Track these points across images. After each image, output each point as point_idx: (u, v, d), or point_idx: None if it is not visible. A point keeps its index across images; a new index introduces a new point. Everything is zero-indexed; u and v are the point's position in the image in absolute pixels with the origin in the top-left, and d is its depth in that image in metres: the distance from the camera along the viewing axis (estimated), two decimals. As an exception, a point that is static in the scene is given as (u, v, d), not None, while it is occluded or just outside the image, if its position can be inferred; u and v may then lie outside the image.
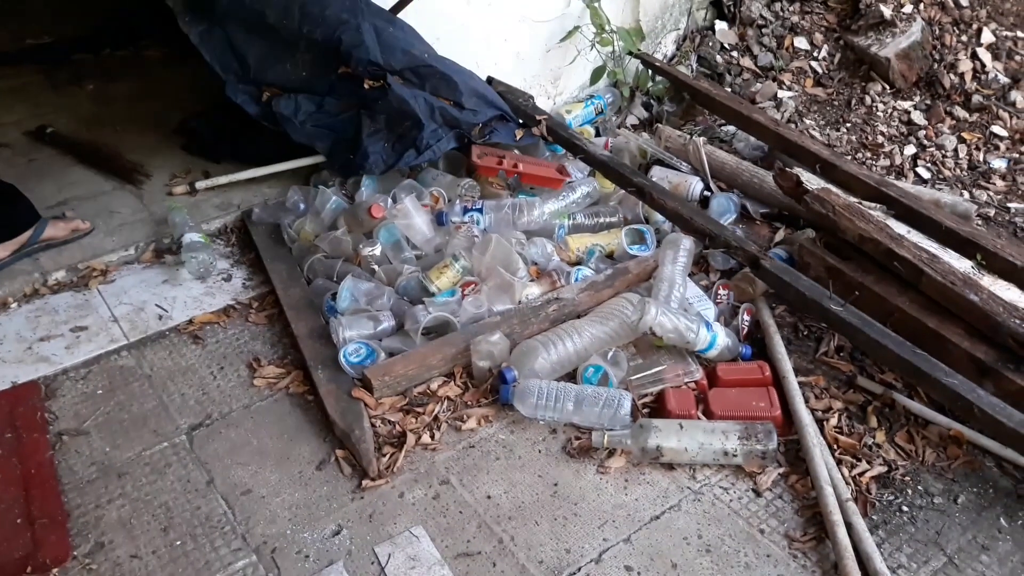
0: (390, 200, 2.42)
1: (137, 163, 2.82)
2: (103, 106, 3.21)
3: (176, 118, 3.03)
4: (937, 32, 3.22)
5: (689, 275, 2.21)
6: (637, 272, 2.25)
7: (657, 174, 2.65)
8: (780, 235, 2.46)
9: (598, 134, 3.03)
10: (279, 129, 2.58)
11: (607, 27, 3.06)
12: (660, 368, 1.97)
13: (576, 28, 3.04)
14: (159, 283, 2.33)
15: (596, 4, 3.04)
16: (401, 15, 2.65)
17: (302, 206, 2.51)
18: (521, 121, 2.72)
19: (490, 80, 2.87)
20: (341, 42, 2.48)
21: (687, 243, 2.24)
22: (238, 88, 2.61)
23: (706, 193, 2.59)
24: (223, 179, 2.68)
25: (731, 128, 2.96)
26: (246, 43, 2.61)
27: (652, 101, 3.18)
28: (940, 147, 2.93)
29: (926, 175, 2.84)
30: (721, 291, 2.21)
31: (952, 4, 3.25)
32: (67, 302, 2.26)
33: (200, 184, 2.67)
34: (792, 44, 3.42)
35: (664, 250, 2.22)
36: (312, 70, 2.59)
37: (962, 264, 2.13)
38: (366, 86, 2.52)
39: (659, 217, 2.43)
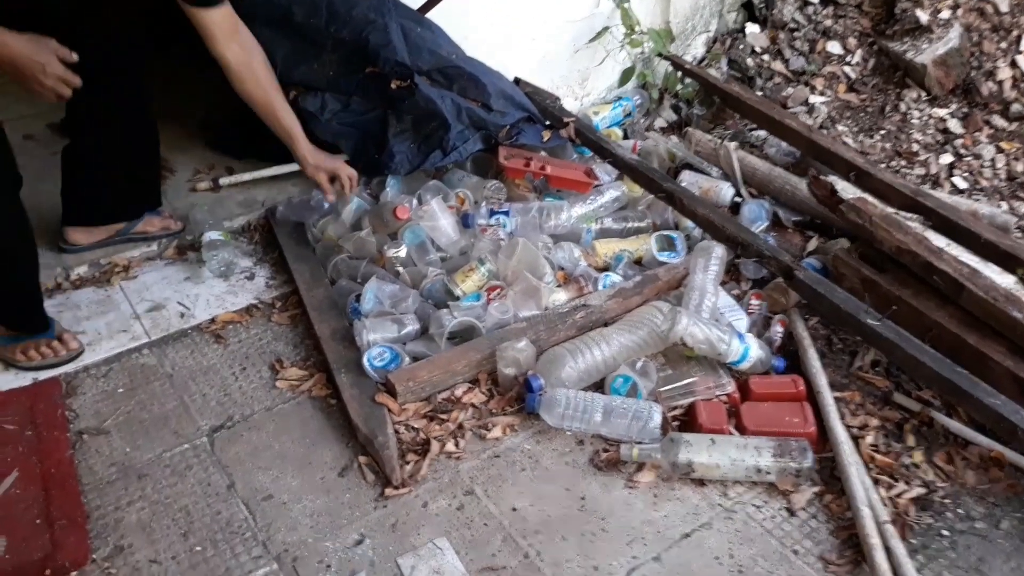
0: (415, 201, 2.38)
1: (165, 158, 2.79)
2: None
3: (200, 114, 3.00)
4: (975, 39, 3.14)
5: (720, 284, 2.16)
6: (667, 280, 2.21)
7: (687, 179, 2.60)
8: (813, 244, 2.40)
9: (626, 136, 2.98)
10: (305, 127, 2.55)
11: (637, 28, 3.02)
12: (690, 380, 1.92)
13: (605, 29, 3.00)
14: (181, 280, 2.31)
15: (626, 5, 2.99)
16: (429, 15, 2.61)
17: (326, 205, 2.48)
18: (548, 123, 2.69)
19: (517, 81, 2.83)
20: (368, 42, 2.45)
21: (718, 251, 2.18)
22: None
23: (737, 199, 2.54)
24: (247, 176, 2.65)
25: (762, 133, 2.90)
26: (272, 42, 2.56)
27: (681, 104, 3.13)
28: (977, 156, 2.86)
29: (963, 185, 2.78)
30: (753, 301, 2.16)
31: (992, 10, 3.17)
32: (89, 298, 2.24)
33: (223, 180, 2.64)
34: (825, 48, 3.35)
35: (695, 258, 2.17)
36: (339, 69, 2.55)
37: (1004, 279, 2.07)
38: (393, 86, 2.49)
39: (689, 223, 2.39)
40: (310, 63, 2.59)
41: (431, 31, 2.58)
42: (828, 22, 3.43)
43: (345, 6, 2.50)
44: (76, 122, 2.19)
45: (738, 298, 2.17)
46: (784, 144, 2.78)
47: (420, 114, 2.49)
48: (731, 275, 2.28)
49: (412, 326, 2.06)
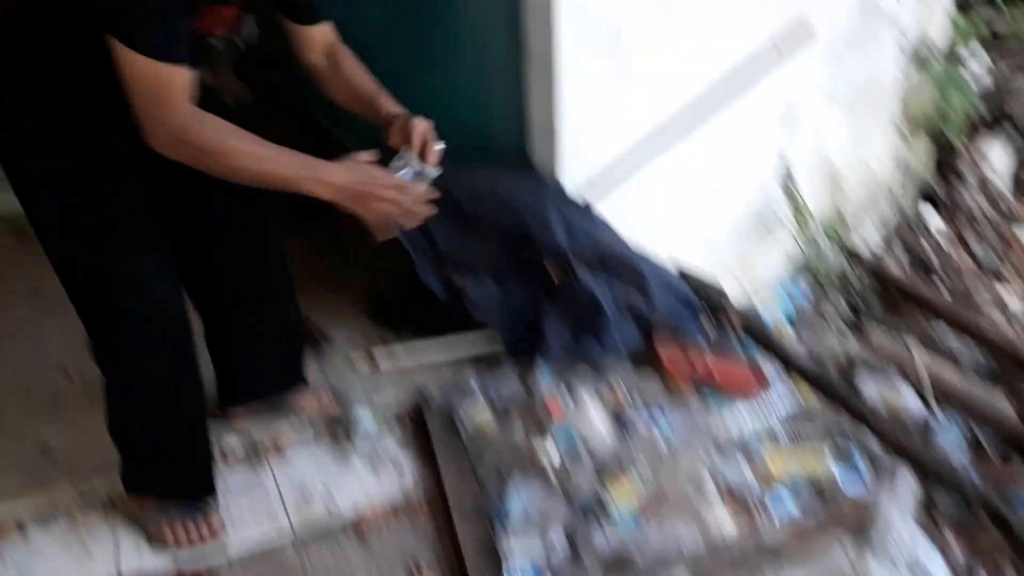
0: (567, 394, 2.28)
1: (322, 328, 2.86)
2: (298, 268, 3.27)
3: (364, 280, 3.07)
4: None
5: (913, 519, 1.90)
6: (849, 510, 1.96)
7: (867, 387, 2.37)
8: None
9: (795, 330, 2.80)
10: (459, 306, 2.55)
11: (804, 213, 2.89)
12: (883, 644, 1.65)
13: (770, 214, 2.89)
14: (329, 465, 2.27)
15: (792, 188, 2.89)
16: (591, 203, 2.60)
17: (478, 392, 2.42)
18: (711, 314, 2.56)
19: (679, 270, 2.74)
20: (528, 227, 2.45)
21: (908, 480, 1.93)
22: (426, 267, 2.62)
23: (927, 416, 2.28)
24: (402, 354, 2.65)
25: (951, 335, 2.64)
26: (437, 225, 2.60)
27: (856, 297, 2.94)
28: None
29: None
30: (953, 545, 1.87)
31: None
32: (238, 478, 2.23)
33: (380, 358, 2.65)
34: (1016, 238, 3.10)
35: (882, 487, 1.93)
36: (499, 253, 2.56)
37: None
38: (552, 272, 2.46)
39: (872, 440, 2.15)
40: (468, 244, 2.61)
41: (592, 219, 2.56)
42: (1017, 208, 3.18)
43: (507, 191, 2.53)
44: (209, 304, 2.15)
45: (935, 540, 1.89)
46: (978, 350, 2.52)
47: (577, 301, 2.43)
48: (925, 510, 2.00)
49: (559, 543, 1.91)
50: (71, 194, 1.68)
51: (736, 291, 2.93)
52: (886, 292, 2.92)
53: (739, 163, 2.76)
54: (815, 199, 2.97)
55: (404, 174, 1.77)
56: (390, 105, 1.88)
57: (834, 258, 3.00)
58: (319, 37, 1.92)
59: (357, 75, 1.93)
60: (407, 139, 1.78)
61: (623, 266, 2.46)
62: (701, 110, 2.57)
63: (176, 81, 1.46)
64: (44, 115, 1.64)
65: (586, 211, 2.57)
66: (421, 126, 1.79)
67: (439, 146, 1.81)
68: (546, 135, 2.47)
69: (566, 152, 2.46)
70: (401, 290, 2.94)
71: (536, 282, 2.51)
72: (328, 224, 3.55)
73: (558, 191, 2.57)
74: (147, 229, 1.79)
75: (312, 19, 1.90)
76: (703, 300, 2.58)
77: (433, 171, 1.81)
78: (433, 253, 2.66)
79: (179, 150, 1.53)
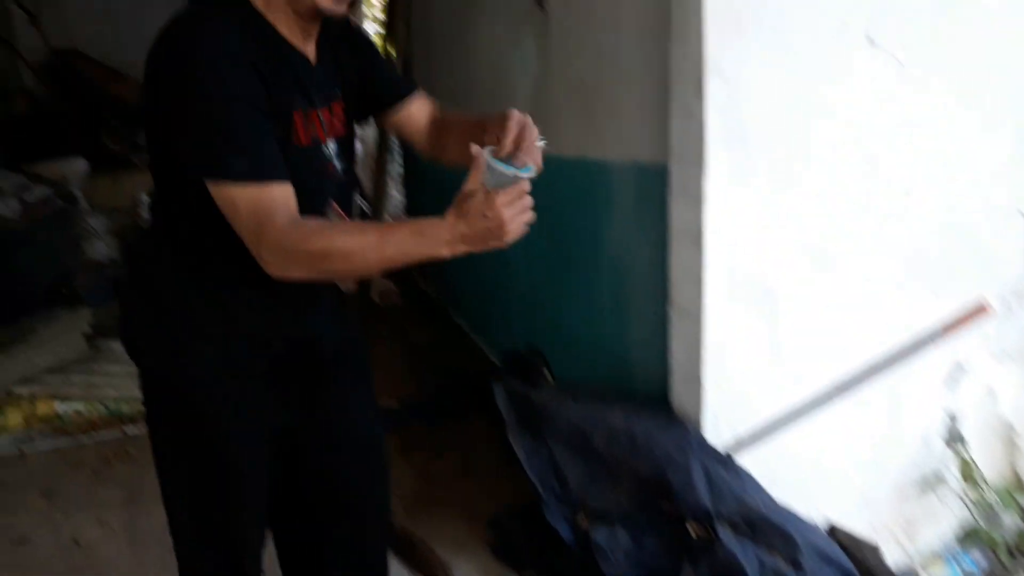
0: None
1: (443, 561, 2.76)
2: (425, 484, 3.28)
3: (490, 504, 2.98)
4: None
5: None
6: None
7: None
8: None
9: (967, 611, 2.47)
10: (590, 562, 2.40)
11: (975, 475, 2.61)
12: None
13: (936, 474, 2.63)
14: None
15: (960, 448, 2.63)
16: (736, 457, 2.45)
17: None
18: (870, 587, 2.29)
19: (832, 530, 2.51)
20: (668, 480, 2.32)
21: None
22: (555, 510, 2.53)
23: None
24: (523, 603, 2.51)
25: None
26: (569, 463, 2.56)
27: (1041, 572, 2.58)
28: None
29: None
30: None
31: None
32: None
33: (500, 604, 2.52)
34: None
35: None
36: (634, 503, 2.43)
37: None
38: (692, 531, 2.30)
39: None
40: (604, 491, 2.50)
41: (737, 474, 2.40)
42: None
43: (646, 438, 2.42)
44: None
45: None
46: None
47: (719, 567, 2.23)
48: None
49: None
50: (191, 416, 1.67)
51: (899, 558, 2.64)
52: (1079, 571, 2.55)
53: (901, 420, 2.56)
54: (988, 459, 2.69)
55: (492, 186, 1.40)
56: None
57: (1012, 525, 2.67)
58: (423, 111, 1.81)
59: (461, 117, 1.77)
60: (500, 138, 1.45)
61: (773, 530, 2.26)
62: (860, 375, 2.42)
63: (273, 198, 1.39)
64: (181, 329, 1.64)
65: (730, 464, 2.42)
66: (514, 120, 1.47)
67: (538, 143, 1.47)
68: (690, 384, 2.39)
69: (710, 403, 2.36)
70: (526, 524, 2.83)
71: (673, 538, 2.35)
72: (454, 437, 3.57)
73: (700, 440, 2.45)
74: (257, 483, 1.77)
75: (408, 90, 1.80)
76: (859, 565, 2.32)
77: (519, 172, 1.38)
78: (563, 493, 2.56)
79: (292, 264, 1.41)
